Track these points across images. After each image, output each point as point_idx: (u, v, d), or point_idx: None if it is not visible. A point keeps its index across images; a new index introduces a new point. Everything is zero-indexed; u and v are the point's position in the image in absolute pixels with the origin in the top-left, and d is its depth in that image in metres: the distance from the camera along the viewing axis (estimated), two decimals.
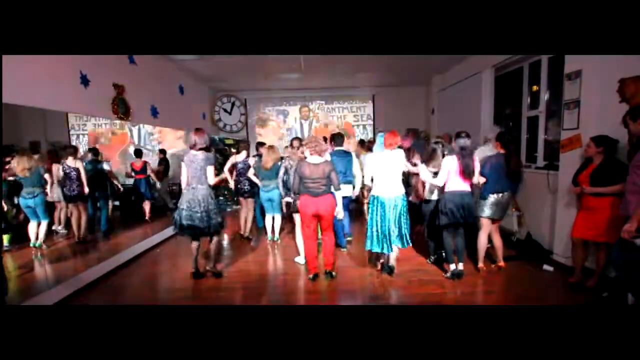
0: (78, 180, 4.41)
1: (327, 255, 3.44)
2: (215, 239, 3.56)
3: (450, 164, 3.20)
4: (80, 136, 5.97)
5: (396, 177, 3.30)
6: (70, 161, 4.43)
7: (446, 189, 3.27)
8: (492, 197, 3.38)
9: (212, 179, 3.41)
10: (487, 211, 3.40)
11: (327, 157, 3.55)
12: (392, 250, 3.35)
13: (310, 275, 3.44)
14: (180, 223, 3.36)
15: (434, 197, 3.58)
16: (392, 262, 3.48)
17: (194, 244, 3.54)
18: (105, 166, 5.08)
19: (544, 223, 4.03)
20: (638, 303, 2.36)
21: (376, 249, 3.38)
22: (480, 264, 3.52)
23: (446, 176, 3.23)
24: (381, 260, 3.59)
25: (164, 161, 6.54)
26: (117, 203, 6.45)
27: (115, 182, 5.33)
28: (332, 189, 3.29)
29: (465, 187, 3.24)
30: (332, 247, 3.45)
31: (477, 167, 3.26)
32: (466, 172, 3.16)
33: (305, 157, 3.31)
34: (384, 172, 3.29)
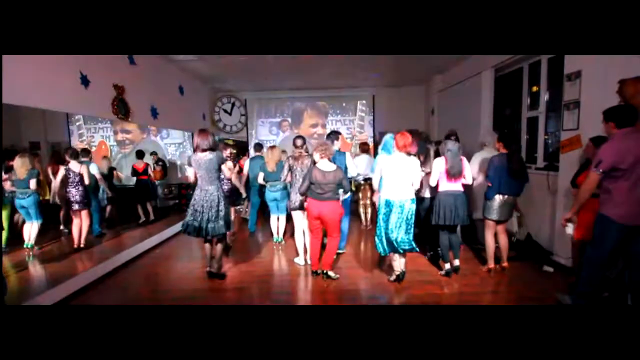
0: (81, 186, 4.19)
1: (326, 257, 3.46)
2: (218, 242, 3.51)
3: (439, 165, 3.32)
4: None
5: (407, 180, 3.18)
6: (74, 165, 4.19)
7: (439, 189, 3.36)
8: (498, 199, 3.37)
9: (229, 174, 3.45)
10: (493, 214, 3.39)
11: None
12: (401, 252, 3.19)
13: (313, 270, 3.57)
14: (187, 223, 3.37)
15: (427, 194, 3.73)
16: (403, 267, 3.30)
17: (207, 246, 3.54)
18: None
19: (544, 224, 4.03)
20: (638, 303, 2.36)
21: (385, 252, 3.26)
22: (491, 265, 3.52)
23: (437, 176, 3.33)
24: (397, 273, 3.31)
25: (160, 161, 6.49)
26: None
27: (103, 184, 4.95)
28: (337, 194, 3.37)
29: (456, 187, 3.31)
30: (333, 250, 3.48)
31: (467, 168, 3.35)
32: (451, 173, 3.24)
33: (316, 162, 3.33)
34: (396, 175, 3.17)
